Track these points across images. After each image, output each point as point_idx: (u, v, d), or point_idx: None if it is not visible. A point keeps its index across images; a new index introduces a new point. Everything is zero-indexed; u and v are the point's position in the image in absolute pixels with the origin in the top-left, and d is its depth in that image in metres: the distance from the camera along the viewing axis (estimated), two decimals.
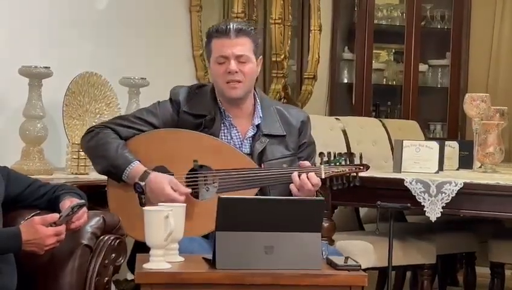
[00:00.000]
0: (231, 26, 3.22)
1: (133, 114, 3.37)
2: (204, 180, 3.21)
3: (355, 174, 3.21)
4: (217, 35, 3.23)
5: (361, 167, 3.22)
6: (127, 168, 3.16)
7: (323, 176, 3.17)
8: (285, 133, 3.30)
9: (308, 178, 3.14)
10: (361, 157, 3.25)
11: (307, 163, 3.22)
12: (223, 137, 3.27)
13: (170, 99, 3.32)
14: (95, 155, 3.25)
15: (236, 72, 3.20)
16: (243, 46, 3.23)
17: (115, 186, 3.23)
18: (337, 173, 3.20)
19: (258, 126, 3.29)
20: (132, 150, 3.21)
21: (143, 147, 3.23)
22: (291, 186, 3.16)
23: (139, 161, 3.17)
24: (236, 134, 3.28)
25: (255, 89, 3.34)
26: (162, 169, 3.19)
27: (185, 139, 3.22)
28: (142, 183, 3.13)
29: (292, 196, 3.18)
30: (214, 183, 3.19)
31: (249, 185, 3.17)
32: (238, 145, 3.28)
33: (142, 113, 3.32)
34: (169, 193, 3.10)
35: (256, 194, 3.18)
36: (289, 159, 3.29)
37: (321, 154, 3.22)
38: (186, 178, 3.19)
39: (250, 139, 3.29)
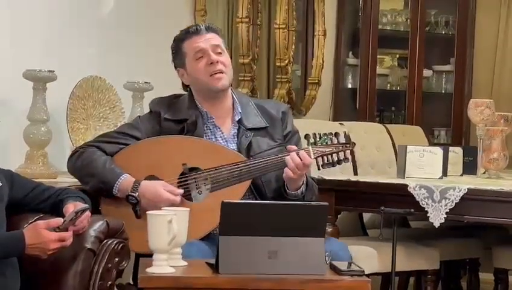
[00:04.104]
0: (200, 25, 3.33)
1: (115, 130, 3.42)
2: (196, 181, 3.21)
3: (343, 153, 3.26)
4: (187, 36, 3.31)
5: (348, 145, 3.27)
6: (117, 182, 3.17)
7: (312, 157, 3.20)
8: (267, 125, 3.34)
9: (300, 158, 3.16)
10: (346, 135, 3.30)
11: (293, 147, 3.25)
12: (207, 139, 3.28)
13: (150, 111, 3.37)
14: (83, 174, 3.26)
15: (217, 62, 3.26)
16: (216, 38, 3.31)
17: (107, 204, 3.23)
18: (326, 152, 3.23)
19: (239, 122, 3.32)
20: (120, 165, 3.22)
21: (130, 159, 3.25)
22: (286, 171, 3.17)
23: (129, 174, 3.18)
24: (221, 134, 3.31)
25: (230, 88, 3.37)
26: (152, 178, 3.20)
27: (170, 145, 3.24)
28: (135, 194, 3.14)
29: (285, 183, 3.20)
30: (205, 183, 3.20)
31: (241, 179, 3.19)
32: (223, 145, 3.29)
33: (124, 128, 3.37)
34: (165, 195, 3.12)
35: (250, 187, 3.20)
36: (277, 150, 3.31)
37: (307, 136, 3.26)
38: (178, 183, 3.20)
39: (235, 136, 3.32)
